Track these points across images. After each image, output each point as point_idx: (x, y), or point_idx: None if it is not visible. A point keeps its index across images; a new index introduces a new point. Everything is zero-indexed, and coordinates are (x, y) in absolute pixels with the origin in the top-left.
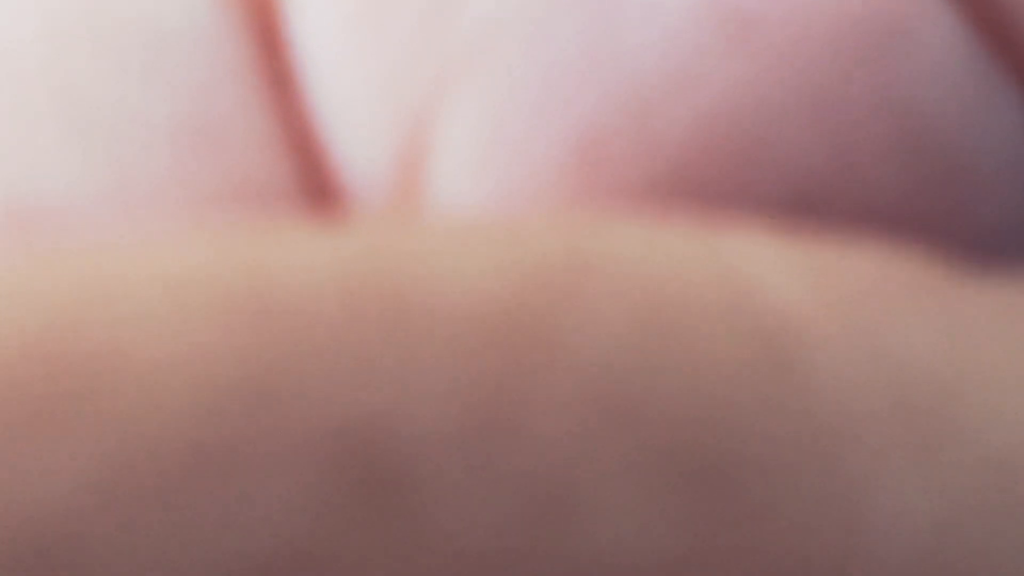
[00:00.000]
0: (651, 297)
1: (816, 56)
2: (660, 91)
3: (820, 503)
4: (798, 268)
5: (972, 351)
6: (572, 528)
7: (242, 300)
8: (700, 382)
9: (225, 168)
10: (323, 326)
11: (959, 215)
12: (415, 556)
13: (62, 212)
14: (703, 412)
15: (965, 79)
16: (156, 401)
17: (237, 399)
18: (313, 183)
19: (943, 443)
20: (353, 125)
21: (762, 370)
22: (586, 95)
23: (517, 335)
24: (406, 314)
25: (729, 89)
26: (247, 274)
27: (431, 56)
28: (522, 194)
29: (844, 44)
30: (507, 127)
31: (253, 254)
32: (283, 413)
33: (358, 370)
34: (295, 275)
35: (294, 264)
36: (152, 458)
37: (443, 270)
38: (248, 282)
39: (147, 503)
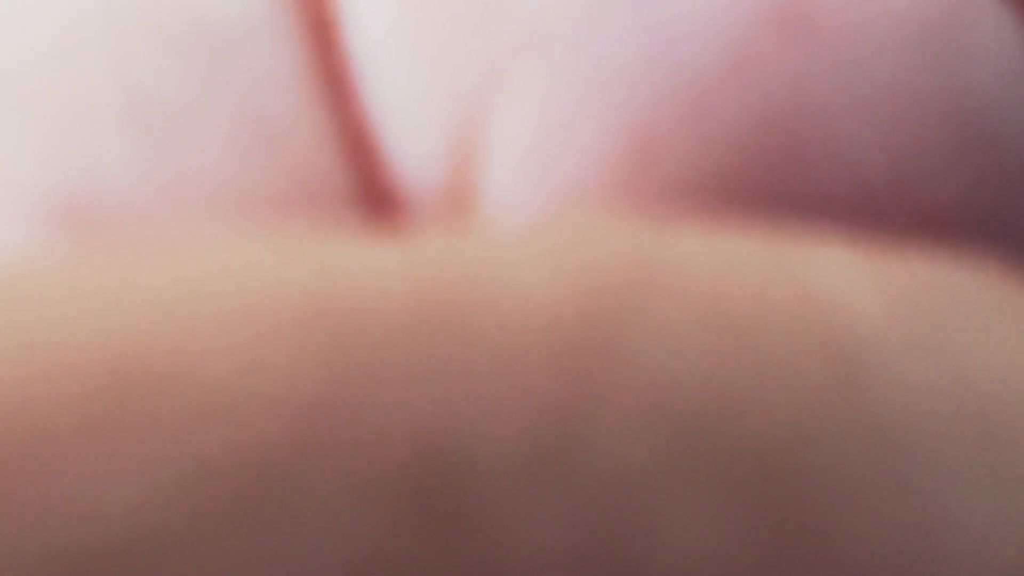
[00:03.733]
0: (720, 308)
1: (873, 52)
2: (715, 86)
3: (892, 518)
4: (869, 279)
5: None
6: (640, 545)
7: (309, 313)
8: (770, 395)
9: (281, 165)
10: (390, 342)
11: (1017, 212)
12: (480, 574)
13: (123, 208)
14: (773, 426)
15: (1020, 75)
16: (224, 416)
17: (304, 415)
18: (367, 181)
19: (1013, 459)
20: (405, 123)
21: (832, 383)
22: (638, 91)
23: (585, 348)
24: (473, 329)
25: (784, 85)
26: (315, 287)
27: (482, 53)
28: (574, 191)
29: (901, 40)
30: (559, 123)
31: (320, 266)
32: (350, 430)
33: (425, 387)
34: (363, 289)
35: (362, 278)
36: (218, 474)
37: (510, 282)
38: (316, 296)
39: (212, 518)
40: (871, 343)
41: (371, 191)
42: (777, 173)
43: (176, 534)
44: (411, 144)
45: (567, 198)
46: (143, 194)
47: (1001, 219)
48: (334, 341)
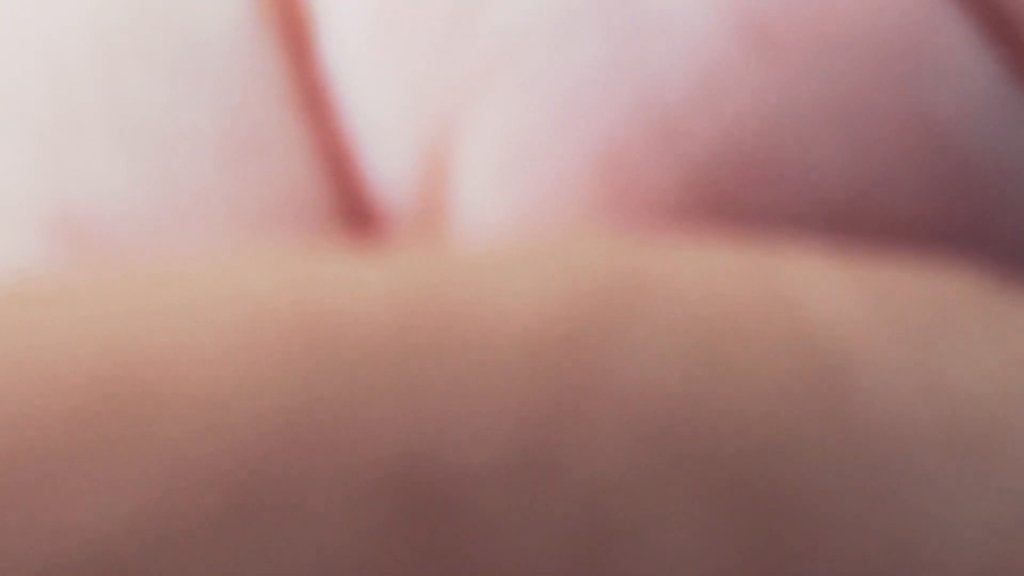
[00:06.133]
0: (704, 323)
1: (840, 68)
2: (684, 102)
3: (873, 532)
4: (852, 291)
5: (1022, 373)
6: (621, 562)
7: (295, 331)
8: (752, 408)
9: (263, 178)
10: (374, 359)
11: (984, 228)
12: None
13: (112, 221)
14: (756, 438)
15: (986, 93)
16: (210, 432)
17: (290, 432)
18: (344, 195)
19: (995, 471)
20: (379, 137)
21: (816, 396)
22: (609, 107)
23: (567, 361)
24: (457, 345)
25: (753, 101)
26: (300, 304)
27: (454, 68)
28: (545, 207)
29: (867, 57)
30: (529, 139)
31: (305, 283)
32: (334, 447)
33: (409, 404)
34: (348, 304)
35: (347, 292)
36: (204, 490)
37: (494, 298)
38: (301, 312)
39: (199, 534)
40: (854, 356)
41: (348, 206)
42: (744, 187)
43: (167, 549)
44: (386, 160)
45: (539, 214)
46: (133, 206)
47: (963, 232)
48: (319, 355)
